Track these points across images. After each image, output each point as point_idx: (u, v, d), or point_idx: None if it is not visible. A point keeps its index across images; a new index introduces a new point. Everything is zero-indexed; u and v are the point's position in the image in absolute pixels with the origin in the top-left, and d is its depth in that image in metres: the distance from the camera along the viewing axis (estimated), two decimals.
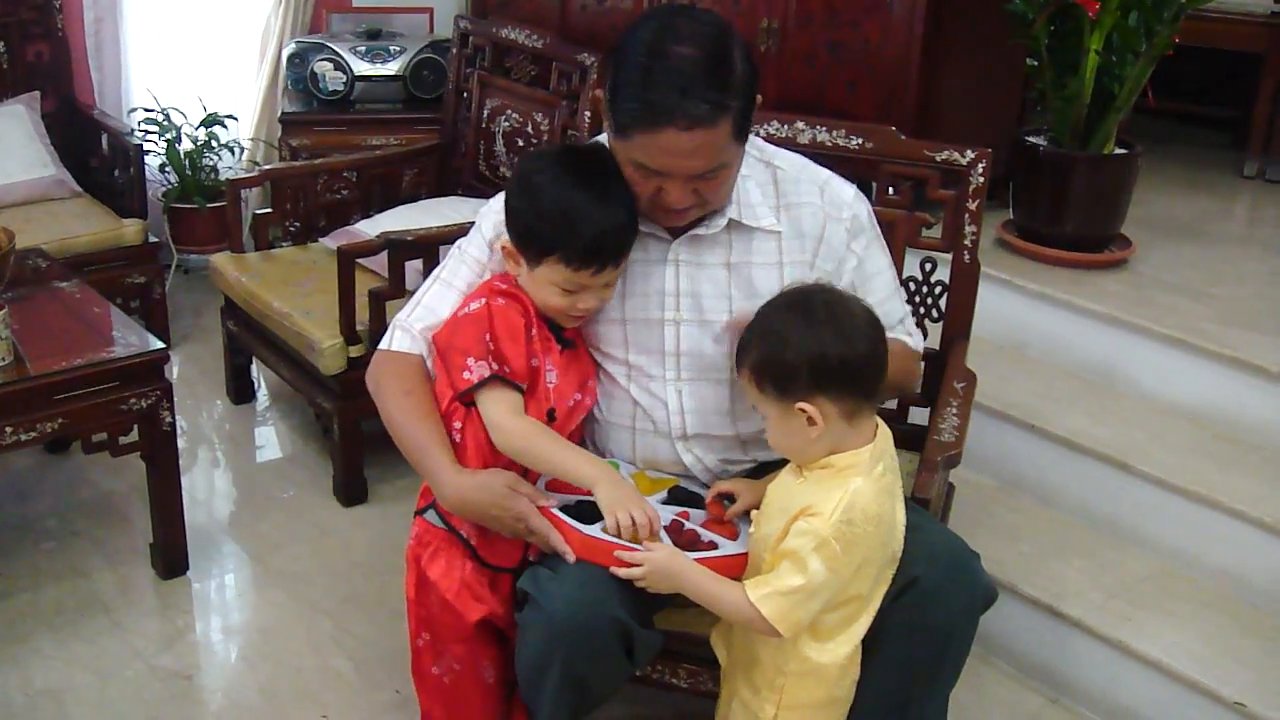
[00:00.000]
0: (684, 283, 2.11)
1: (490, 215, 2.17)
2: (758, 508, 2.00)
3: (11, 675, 2.67)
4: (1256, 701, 2.46)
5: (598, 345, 2.16)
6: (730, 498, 2.08)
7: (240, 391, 3.83)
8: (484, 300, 2.04)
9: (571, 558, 1.93)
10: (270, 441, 3.73)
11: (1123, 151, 3.53)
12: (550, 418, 2.08)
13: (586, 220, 1.97)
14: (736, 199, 2.08)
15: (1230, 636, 2.64)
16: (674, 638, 2.16)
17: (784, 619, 1.83)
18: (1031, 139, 3.56)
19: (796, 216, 2.12)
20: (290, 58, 4.31)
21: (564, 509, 1.98)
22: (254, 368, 3.91)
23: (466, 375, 2.01)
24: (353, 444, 3.30)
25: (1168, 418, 3.12)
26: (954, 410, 2.44)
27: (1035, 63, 3.50)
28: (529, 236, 2.02)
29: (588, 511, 1.99)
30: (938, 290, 2.71)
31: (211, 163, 4.43)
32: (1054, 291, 3.38)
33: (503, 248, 2.07)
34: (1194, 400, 3.13)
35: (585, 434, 2.23)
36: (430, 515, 2.14)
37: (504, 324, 2.02)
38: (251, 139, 4.57)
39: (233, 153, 4.53)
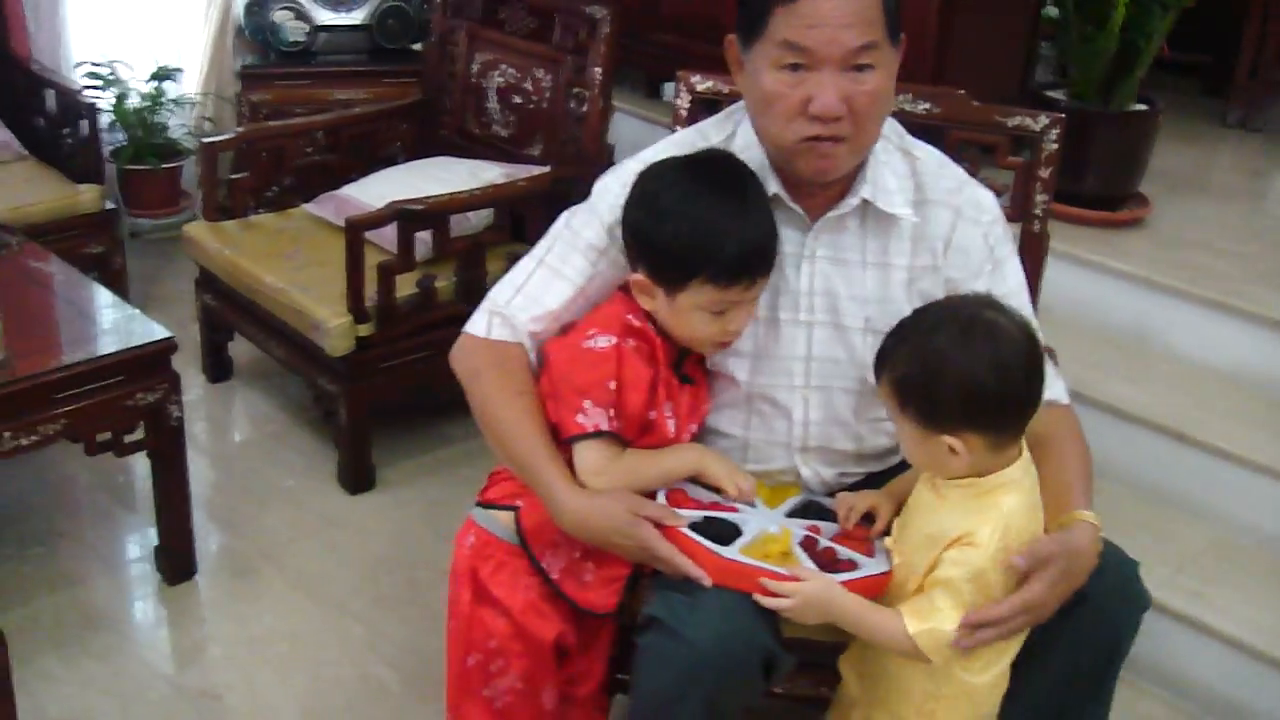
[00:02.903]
0: (820, 281, 1.93)
1: (608, 195, 1.94)
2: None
3: (22, 703, 2.39)
4: None
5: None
6: (868, 517, 1.92)
7: (218, 369, 3.58)
8: (615, 340, 1.84)
9: (708, 583, 1.76)
10: (257, 424, 3.48)
11: (1144, 107, 3.44)
12: None
13: (731, 232, 1.79)
14: (872, 181, 1.90)
15: None
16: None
17: (939, 651, 1.71)
18: (1051, 94, 3.45)
19: (930, 215, 1.94)
20: (248, 6, 4.03)
21: (693, 527, 1.82)
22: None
23: (580, 420, 1.83)
24: (361, 429, 3.09)
25: (1211, 383, 3.05)
26: None
27: (1057, 15, 3.38)
28: (667, 263, 1.82)
29: (719, 530, 1.82)
30: None
31: (162, 120, 4.12)
32: (1078, 251, 3.29)
33: (633, 283, 1.87)
34: (1235, 364, 3.06)
35: None
36: (500, 531, 1.95)
37: (632, 373, 1.83)
38: (201, 94, 4.26)
39: (181, 106, 4.21)
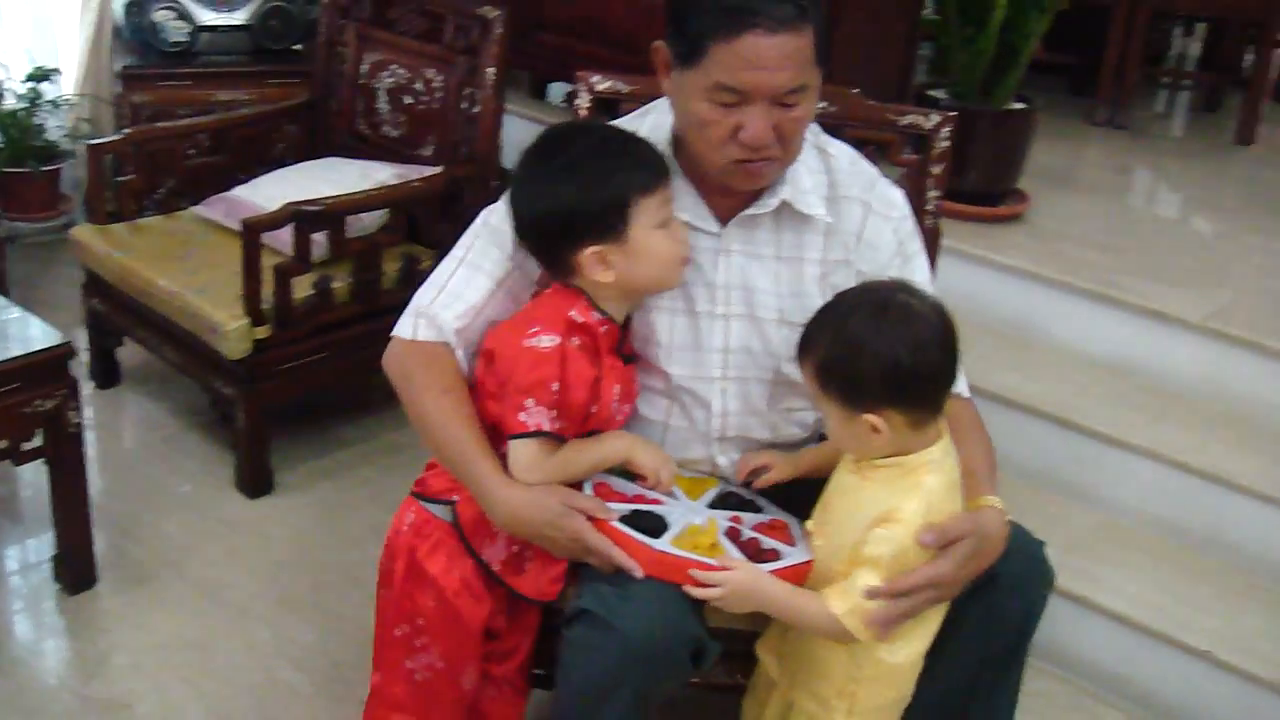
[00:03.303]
0: (735, 275, 1.98)
1: None
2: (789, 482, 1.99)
3: None
4: (1221, 648, 2.53)
5: (643, 333, 2.00)
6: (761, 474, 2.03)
7: (106, 375, 3.51)
8: (559, 340, 1.84)
9: (640, 574, 1.80)
10: (149, 429, 3.41)
11: (1022, 106, 3.56)
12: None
13: (631, 145, 1.88)
14: (790, 182, 1.95)
15: (1184, 585, 2.72)
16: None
17: (865, 630, 1.77)
18: (932, 93, 3.55)
19: (842, 211, 2.00)
20: (127, 6, 3.94)
21: (622, 520, 1.85)
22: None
23: (523, 418, 1.84)
24: (259, 432, 3.06)
25: (1091, 370, 3.17)
26: None
27: (939, 17, 3.49)
28: (604, 212, 1.83)
29: (647, 523, 1.86)
30: None
31: (40, 122, 4.03)
32: (962, 245, 3.38)
33: (586, 262, 1.86)
34: (1113, 352, 3.19)
35: None
36: (440, 512, 1.98)
37: (576, 374, 1.84)
38: (79, 95, 4.16)
39: (58, 108, 4.11)
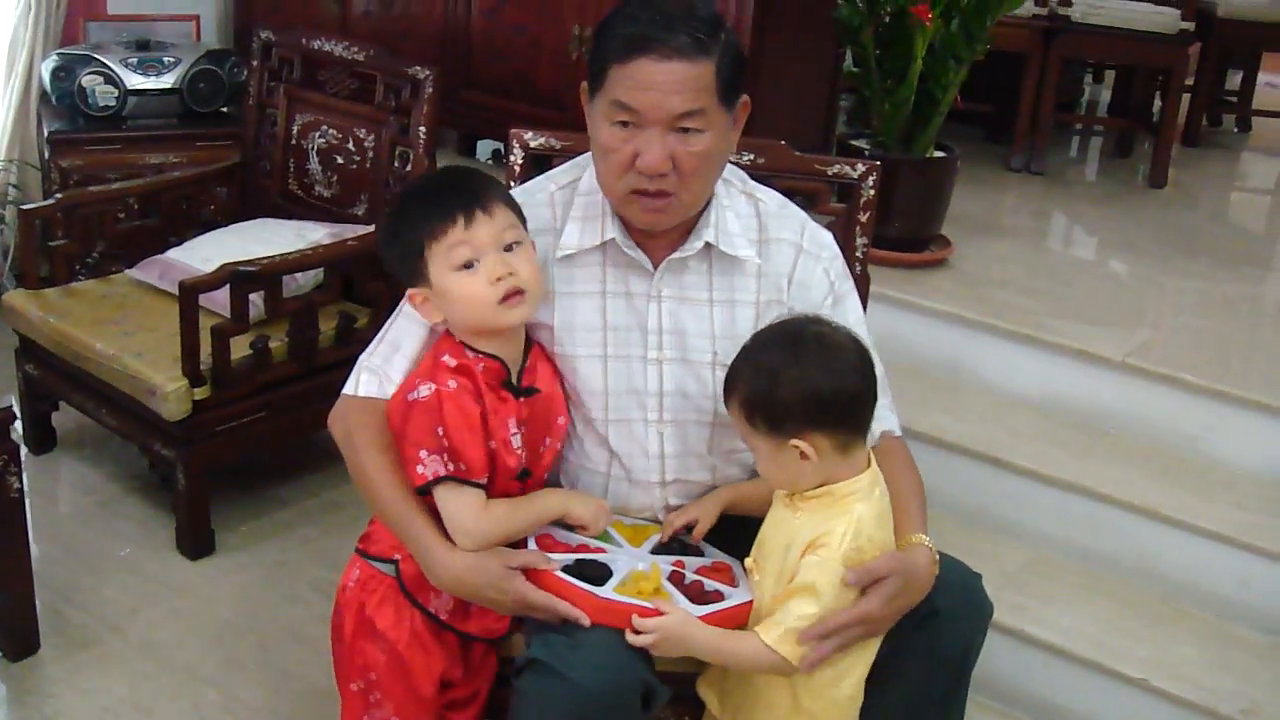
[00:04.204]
0: (667, 320, 2.04)
1: None
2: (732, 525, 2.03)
3: None
4: (1155, 675, 2.60)
5: (575, 383, 2.05)
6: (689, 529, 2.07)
7: (41, 440, 3.49)
8: (434, 386, 1.87)
9: (587, 623, 1.83)
10: (87, 493, 3.38)
11: (942, 154, 3.66)
12: (524, 477, 1.98)
13: (415, 193, 1.95)
14: (715, 225, 2.02)
15: (1116, 616, 2.79)
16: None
17: (798, 650, 1.80)
18: (855, 143, 3.64)
19: (773, 253, 2.07)
20: (55, 71, 3.93)
21: (566, 569, 1.88)
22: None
23: (420, 470, 1.86)
24: (200, 493, 3.06)
25: (1019, 410, 3.25)
26: None
27: (859, 69, 3.58)
28: (402, 258, 1.90)
29: (591, 571, 1.89)
30: None
31: None
32: (889, 291, 3.46)
33: (410, 299, 1.94)
34: (1040, 391, 3.28)
35: (557, 471, 2.13)
36: (385, 568, 2.00)
37: (456, 413, 1.86)
38: (6, 160, 4.15)
39: None
